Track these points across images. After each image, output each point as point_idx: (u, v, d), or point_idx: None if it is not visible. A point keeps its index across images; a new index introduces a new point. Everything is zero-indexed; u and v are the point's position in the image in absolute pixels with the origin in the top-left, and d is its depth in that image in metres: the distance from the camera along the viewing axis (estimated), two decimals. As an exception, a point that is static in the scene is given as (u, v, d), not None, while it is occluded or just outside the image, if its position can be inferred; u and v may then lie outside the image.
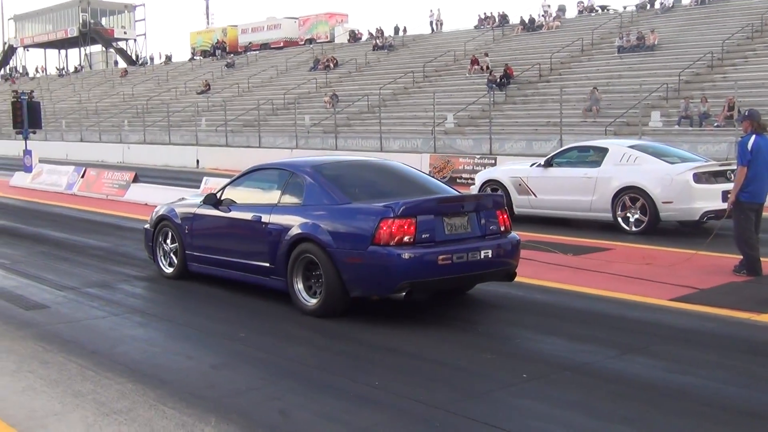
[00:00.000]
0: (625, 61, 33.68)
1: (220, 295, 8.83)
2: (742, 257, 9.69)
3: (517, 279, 9.23)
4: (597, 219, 13.88)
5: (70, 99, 63.07)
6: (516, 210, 14.81)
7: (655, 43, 33.71)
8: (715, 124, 25.29)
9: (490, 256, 7.73)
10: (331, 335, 7.21)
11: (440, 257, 7.36)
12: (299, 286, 7.98)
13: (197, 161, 36.76)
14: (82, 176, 22.50)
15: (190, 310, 8.29)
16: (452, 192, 8.53)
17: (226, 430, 4.96)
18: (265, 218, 8.35)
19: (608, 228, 13.49)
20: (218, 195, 9.17)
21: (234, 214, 8.83)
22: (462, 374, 6.04)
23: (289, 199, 8.35)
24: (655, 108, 27.80)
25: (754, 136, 9.56)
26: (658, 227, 13.22)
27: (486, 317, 7.94)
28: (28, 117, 25.57)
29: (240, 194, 9.04)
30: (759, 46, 30.78)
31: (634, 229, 13.19)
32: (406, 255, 7.22)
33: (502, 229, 8.12)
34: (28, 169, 25.28)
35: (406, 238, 7.29)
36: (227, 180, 10.08)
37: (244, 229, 8.66)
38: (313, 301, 7.85)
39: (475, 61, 38.15)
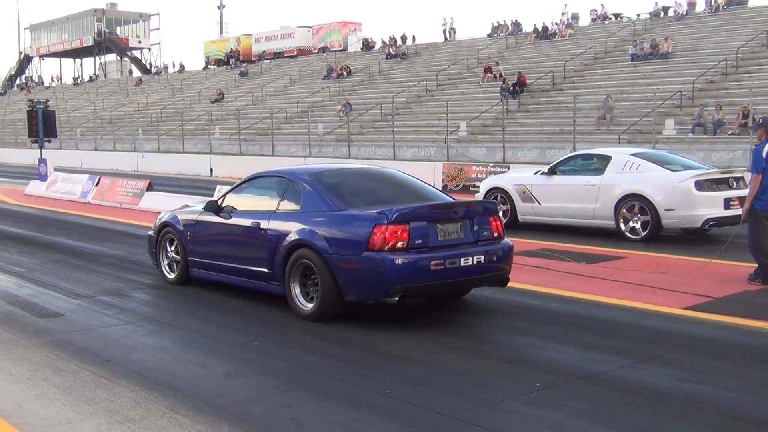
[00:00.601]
0: (639, 69, 33.61)
1: (232, 304, 8.85)
2: (756, 266, 9.63)
3: (531, 288, 9.30)
4: (600, 226, 13.97)
5: (85, 108, 63.45)
6: (520, 217, 15.00)
7: (669, 50, 33.62)
8: (730, 132, 25.19)
9: (482, 261, 7.88)
10: (343, 343, 7.22)
11: (433, 263, 7.51)
12: (296, 290, 8.14)
13: (211, 170, 36.90)
14: (97, 185, 22.60)
15: (202, 319, 8.31)
16: (447, 199, 8.62)
17: (238, 439, 4.97)
18: (264, 224, 8.51)
19: (620, 236, 13.45)
20: (219, 202, 9.36)
21: (234, 221, 9.01)
22: (474, 383, 6.03)
23: (288, 206, 8.52)
24: (669, 116, 27.72)
25: (768, 144, 9.52)
26: (666, 236, 13.18)
27: (499, 326, 7.91)
28: (43, 126, 25.76)
29: (240, 201, 9.21)
30: (774, 54, 30.67)
31: (636, 236, 13.25)
32: (399, 260, 7.39)
33: (495, 235, 8.23)
34: (43, 178, 25.44)
35: (399, 244, 7.45)
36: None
37: (243, 235, 8.85)
38: (310, 305, 8.00)
39: (488, 69, 38.15)
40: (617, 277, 10.13)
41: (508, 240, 8.43)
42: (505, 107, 31.60)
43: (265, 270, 8.47)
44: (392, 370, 6.39)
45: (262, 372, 6.39)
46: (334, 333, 7.54)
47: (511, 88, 34.55)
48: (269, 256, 8.37)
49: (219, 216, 9.19)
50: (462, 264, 7.71)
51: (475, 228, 8.04)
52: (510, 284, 9.62)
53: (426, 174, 26.68)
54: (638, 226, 13.26)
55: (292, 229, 8.13)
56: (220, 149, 40.35)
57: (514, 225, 14.84)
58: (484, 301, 8.94)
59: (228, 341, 7.37)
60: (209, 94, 53.86)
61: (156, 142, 44.74)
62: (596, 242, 13.10)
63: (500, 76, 36.72)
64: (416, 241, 7.53)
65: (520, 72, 35.69)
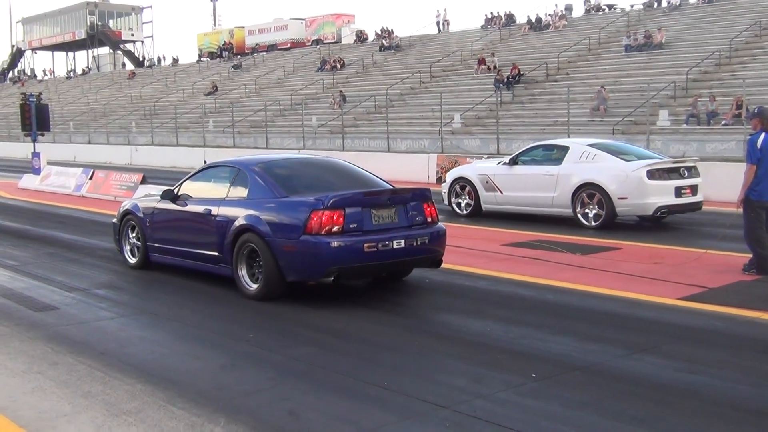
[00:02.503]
0: (633, 59, 33.61)
1: (226, 296, 8.83)
2: (751, 256, 9.65)
3: (526, 279, 9.35)
4: (558, 214, 14.33)
5: (78, 101, 63.25)
6: (483, 206, 15.48)
7: (663, 41, 33.61)
8: (723, 123, 25.21)
9: (415, 244, 8.48)
10: (339, 335, 7.22)
11: (366, 245, 8.08)
12: (243, 272, 8.71)
13: (205, 162, 36.73)
14: (91, 178, 22.55)
15: (197, 311, 8.29)
16: (385, 186, 9.11)
17: (235, 431, 4.96)
18: (214, 211, 9.10)
19: (616, 227, 13.48)
20: (176, 190, 9.91)
21: (188, 208, 9.59)
22: (470, 374, 6.03)
23: (236, 194, 9.07)
24: (663, 107, 27.72)
25: (763, 134, 9.52)
26: (665, 226, 13.20)
27: (494, 317, 7.90)
28: (36, 119, 25.65)
29: (195, 189, 9.78)
30: (767, 44, 30.65)
31: (592, 224, 13.63)
32: (334, 243, 7.96)
33: (429, 220, 8.81)
34: (37, 171, 25.36)
35: (335, 228, 8.03)
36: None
37: (196, 221, 9.43)
38: (255, 286, 8.57)
39: (482, 61, 38.11)
40: (612, 267, 10.14)
41: (441, 224, 9.03)
42: (499, 99, 31.58)
43: (216, 254, 9.03)
44: (388, 362, 6.39)
45: (258, 364, 6.38)
46: (329, 325, 7.55)
47: (506, 79, 34.50)
48: (219, 240, 8.93)
49: (175, 204, 9.76)
50: (395, 246, 8.27)
51: (409, 213, 8.62)
52: (505, 275, 9.73)
53: (420, 166, 26.72)
54: (593, 213, 13.66)
55: (239, 215, 8.69)
56: (214, 142, 40.26)
57: (478, 214, 15.29)
58: (480, 292, 8.96)
59: (223, 333, 7.36)
60: (203, 87, 53.73)
61: (149, 135, 44.64)
62: (593, 233, 13.11)
63: (494, 67, 36.68)
64: (351, 225, 8.09)
65: (514, 63, 35.66)
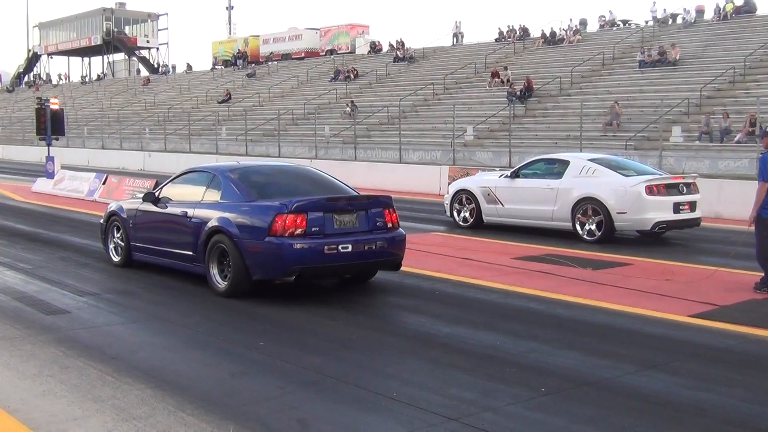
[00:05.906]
0: (647, 75, 33.56)
1: (238, 305, 8.86)
2: (763, 274, 9.62)
3: (537, 293, 9.36)
4: (558, 228, 14.42)
5: (93, 106, 63.57)
6: (485, 218, 15.60)
7: (677, 58, 33.56)
8: (736, 140, 25.14)
9: (374, 248, 9.05)
10: (348, 346, 7.23)
11: (326, 247, 8.65)
12: (214, 271, 9.29)
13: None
14: (104, 183, 22.67)
15: (208, 318, 8.33)
16: (350, 193, 9.64)
17: (244, 438, 4.98)
18: (190, 213, 9.70)
19: (628, 242, 13.46)
20: (156, 193, 10.51)
21: (167, 210, 10.18)
22: (479, 386, 6.03)
23: (210, 197, 9.67)
24: (676, 123, 27.67)
25: (775, 153, 9.51)
26: (674, 243, 13.16)
27: (504, 330, 7.90)
28: (51, 124, 25.79)
29: (174, 192, 10.40)
30: (782, 63, 30.59)
31: (591, 238, 13.74)
32: (296, 245, 8.53)
33: (389, 225, 9.35)
34: (51, 175, 25.50)
35: (297, 231, 8.59)
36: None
37: (174, 222, 10.04)
38: (224, 283, 9.14)
39: (495, 74, 38.13)
40: (623, 283, 10.13)
41: (401, 230, 9.55)
42: (512, 112, 31.59)
43: (191, 253, 9.63)
44: (397, 373, 6.40)
45: (269, 373, 6.40)
46: (339, 335, 7.56)
47: (519, 93, 34.51)
48: (194, 240, 9.53)
49: (156, 206, 10.34)
50: (354, 249, 8.81)
51: (370, 219, 9.15)
52: (516, 289, 9.73)
53: (432, 177, 26.75)
54: (593, 228, 13.78)
55: (212, 217, 9.28)
56: (227, 150, 40.38)
57: (479, 225, 15.35)
58: (490, 305, 8.97)
59: (234, 341, 7.38)
60: (216, 95, 53.92)
61: (163, 141, 44.83)
62: (604, 248, 13.09)
63: (507, 80, 36.70)
64: (313, 229, 8.65)
65: (527, 77, 35.66)
